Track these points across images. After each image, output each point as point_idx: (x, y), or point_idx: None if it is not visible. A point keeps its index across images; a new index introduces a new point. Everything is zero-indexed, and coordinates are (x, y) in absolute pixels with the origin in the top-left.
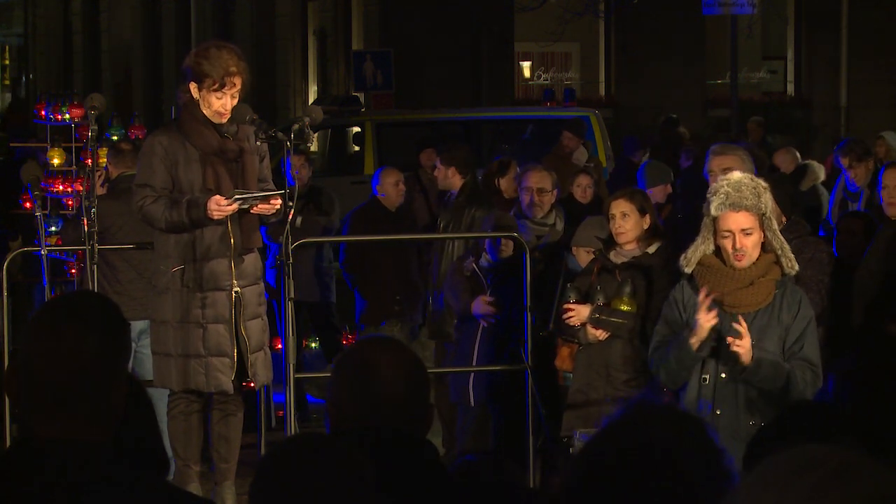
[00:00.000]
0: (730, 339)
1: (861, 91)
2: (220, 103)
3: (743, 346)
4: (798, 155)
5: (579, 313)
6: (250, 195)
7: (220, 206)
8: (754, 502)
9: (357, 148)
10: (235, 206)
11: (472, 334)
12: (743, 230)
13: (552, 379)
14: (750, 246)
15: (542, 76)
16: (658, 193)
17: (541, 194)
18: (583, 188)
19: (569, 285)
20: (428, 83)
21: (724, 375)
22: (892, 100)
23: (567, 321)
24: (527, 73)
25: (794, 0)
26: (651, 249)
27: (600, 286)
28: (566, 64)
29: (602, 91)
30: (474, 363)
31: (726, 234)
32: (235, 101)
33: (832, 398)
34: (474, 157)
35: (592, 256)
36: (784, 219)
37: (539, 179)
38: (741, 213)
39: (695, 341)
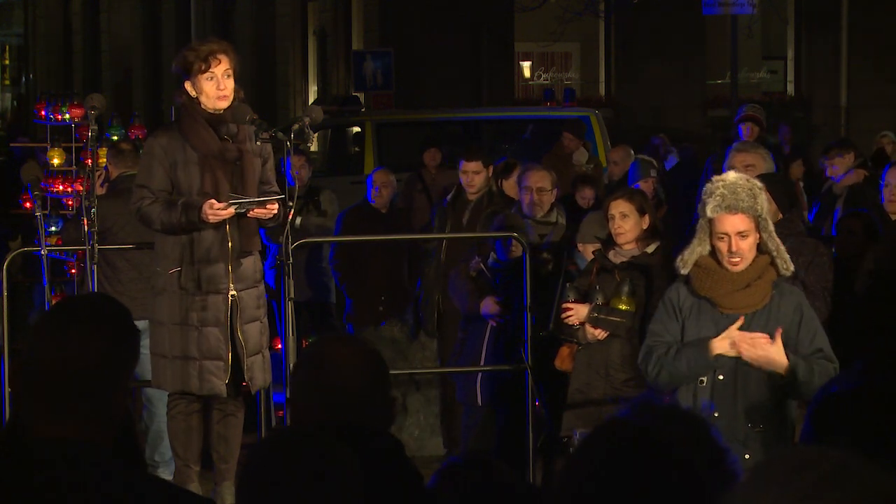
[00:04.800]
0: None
1: (861, 91)
2: (212, 84)
3: (765, 350)
4: (632, 152)
5: (578, 312)
6: (246, 200)
7: (214, 211)
8: (752, 502)
9: (357, 148)
10: (231, 210)
11: (480, 334)
12: (739, 233)
13: (553, 379)
14: (746, 248)
15: (542, 76)
16: (643, 188)
17: (540, 194)
18: (587, 200)
19: (568, 285)
20: (428, 83)
21: (721, 377)
22: (892, 100)
23: (566, 320)
24: (527, 73)
25: (794, 0)
26: (650, 249)
27: (599, 286)
28: (566, 64)
29: (602, 91)
30: (482, 363)
31: (722, 236)
32: (230, 82)
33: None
34: None
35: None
36: (780, 215)
37: (538, 179)
38: (737, 215)
39: (718, 346)
